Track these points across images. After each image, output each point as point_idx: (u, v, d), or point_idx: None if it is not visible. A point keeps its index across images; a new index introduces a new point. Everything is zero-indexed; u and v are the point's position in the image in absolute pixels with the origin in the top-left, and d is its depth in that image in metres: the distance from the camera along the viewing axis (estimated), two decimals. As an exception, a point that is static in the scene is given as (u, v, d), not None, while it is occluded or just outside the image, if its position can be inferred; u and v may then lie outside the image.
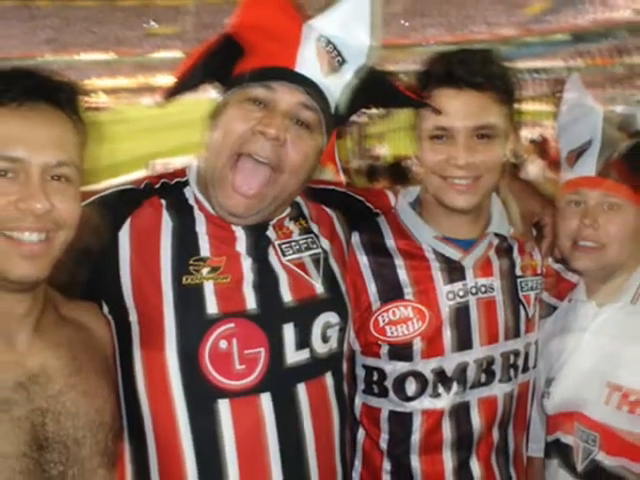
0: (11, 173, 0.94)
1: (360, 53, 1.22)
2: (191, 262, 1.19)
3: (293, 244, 1.28)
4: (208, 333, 1.15)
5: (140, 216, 1.22)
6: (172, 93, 1.22)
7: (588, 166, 1.38)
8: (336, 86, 1.22)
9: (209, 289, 1.17)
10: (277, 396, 1.17)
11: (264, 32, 1.19)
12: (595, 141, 1.38)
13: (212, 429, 1.14)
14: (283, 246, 1.27)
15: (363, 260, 1.41)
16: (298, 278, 1.24)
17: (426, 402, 1.37)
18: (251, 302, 1.19)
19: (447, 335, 1.37)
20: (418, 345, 1.36)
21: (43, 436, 0.97)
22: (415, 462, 1.39)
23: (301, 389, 1.20)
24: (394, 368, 1.38)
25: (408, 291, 1.38)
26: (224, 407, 1.15)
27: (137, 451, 1.18)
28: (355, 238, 1.44)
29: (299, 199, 1.35)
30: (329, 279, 1.30)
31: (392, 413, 1.40)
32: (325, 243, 1.34)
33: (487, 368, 1.39)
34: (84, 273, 1.16)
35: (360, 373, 1.44)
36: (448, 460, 1.38)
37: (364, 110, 1.44)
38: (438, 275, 1.38)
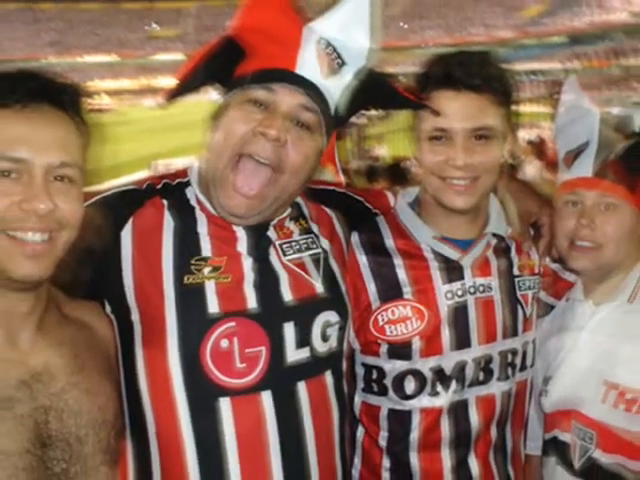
0: (15, 174, 0.94)
1: (360, 55, 1.23)
2: (192, 262, 1.19)
3: (293, 244, 1.29)
4: (209, 332, 1.16)
5: (142, 216, 1.22)
6: (174, 95, 1.23)
7: (585, 167, 1.39)
8: (336, 88, 1.23)
9: (210, 288, 1.18)
10: (278, 394, 1.18)
11: (265, 34, 1.20)
12: (592, 142, 1.39)
13: (213, 427, 1.15)
14: (284, 246, 1.28)
15: (362, 260, 1.42)
16: (298, 278, 1.25)
17: (425, 400, 1.38)
18: (252, 301, 1.20)
19: (446, 334, 1.38)
20: (417, 344, 1.37)
21: (46, 434, 0.98)
22: (414, 459, 1.40)
23: (301, 387, 1.21)
24: (393, 367, 1.39)
25: (407, 290, 1.39)
26: (225, 405, 1.15)
27: (139, 448, 1.18)
28: (355, 238, 1.45)
29: (299, 199, 1.36)
30: (329, 279, 1.31)
31: (391, 411, 1.41)
32: (325, 243, 1.35)
33: (485, 367, 1.40)
34: (87, 273, 1.16)
35: (360, 372, 1.45)
36: (447, 458, 1.39)
37: (364, 111, 1.45)
38: (437, 275, 1.39)
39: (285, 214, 1.32)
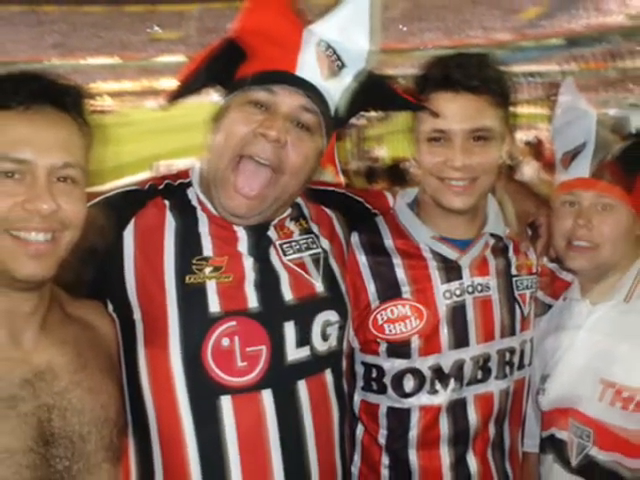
0: (18, 174, 0.95)
1: (359, 57, 1.24)
2: (194, 261, 1.20)
3: (294, 244, 1.30)
4: (211, 331, 1.16)
5: (144, 216, 1.23)
6: (175, 96, 1.24)
7: (582, 168, 1.40)
8: (336, 89, 1.24)
9: (211, 288, 1.19)
10: (278, 392, 1.19)
11: (266, 37, 1.21)
12: (589, 143, 1.40)
13: (215, 425, 1.16)
14: (284, 246, 1.29)
15: (362, 259, 1.43)
16: (299, 277, 1.26)
17: (424, 398, 1.39)
18: (253, 301, 1.20)
19: (444, 333, 1.38)
20: (416, 343, 1.38)
21: (49, 432, 0.99)
22: (413, 457, 1.41)
23: (301, 386, 1.21)
24: (392, 365, 1.40)
25: (406, 290, 1.40)
26: (226, 403, 1.16)
27: (141, 446, 1.19)
28: (354, 238, 1.45)
29: (299, 200, 1.37)
30: (329, 278, 1.32)
31: (390, 409, 1.42)
32: (325, 243, 1.36)
33: (483, 365, 1.41)
34: (89, 272, 1.17)
35: (359, 370, 1.46)
36: (445, 455, 1.40)
37: (363, 113, 1.46)
38: (435, 274, 1.40)
39: (285, 214, 1.33)
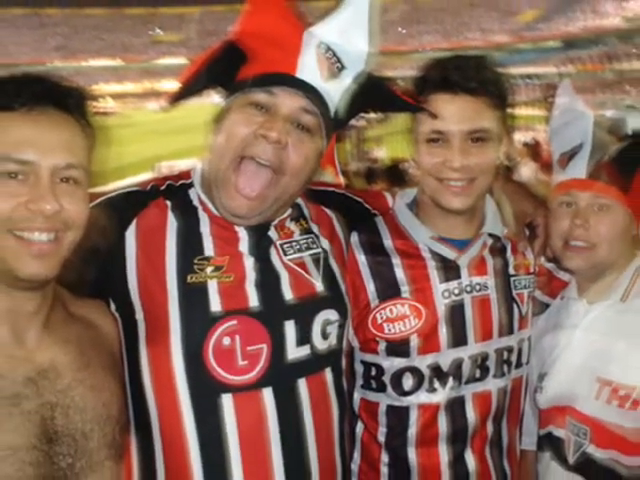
0: (21, 175, 0.96)
1: (359, 59, 1.25)
2: (195, 261, 1.21)
3: (294, 244, 1.31)
4: (212, 330, 1.17)
5: (146, 217, 1.24)
6: (177, 98, 1.25)
7: (579, 168, 1.41)
8: (336, 91, 1.25)
9: (213, 287, 1.20)
10: (278, 391, 1.19)
11: (266, 39, 1.21)
12: (586, 144, 1.41)
13: (216, 423, 1.16)
14: (284, 246, 1.30)
15: (362, 259, 1.44)
16: (299, 277, 1.27)
17: (422, 397, 1.40)
18: (253, 300, 1.21)
19: (443, 332, 1.39)
20: (415, 341, 1.39)
21: (52, 429, 0.99)
22: (412, 454, 1.41)
23: (302, 384, 1.22)
24: (391, 364, 1.41)
25: (405, 289, 1.41)
26: (227, 401, 1.17)
27: (143, 443, 1.20)
28: (354, 238, 1.46)
29: (300, 200, 1.38)
30: (329, 278, 1.33)
31: (390, 407, 1.43)
32: (325, 243, 1.37)
33: (481, 364, 1.42)
34: (92, 272, 1.18)
35: (359, 369, 1.47)
36: (444, 453, 1.41)
37: (363, 114, 1.47)
38: (434, 274, 1.41)
39: (286, 215, 1.33)
